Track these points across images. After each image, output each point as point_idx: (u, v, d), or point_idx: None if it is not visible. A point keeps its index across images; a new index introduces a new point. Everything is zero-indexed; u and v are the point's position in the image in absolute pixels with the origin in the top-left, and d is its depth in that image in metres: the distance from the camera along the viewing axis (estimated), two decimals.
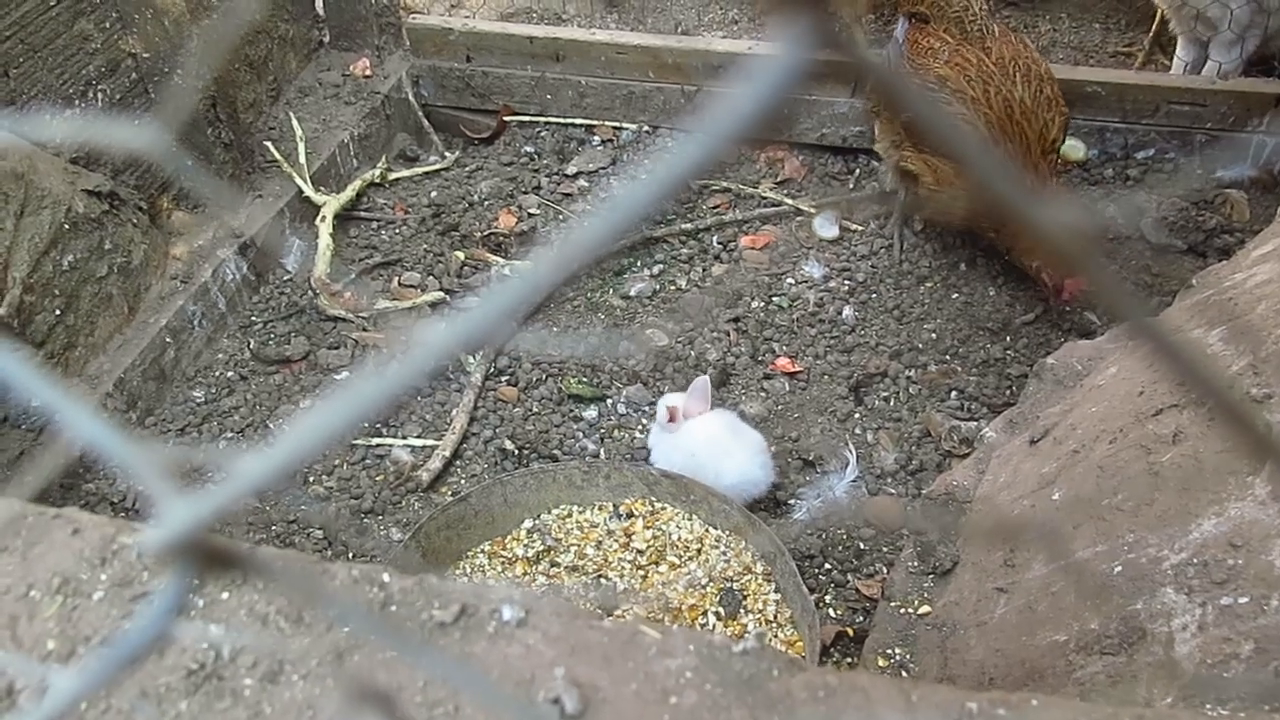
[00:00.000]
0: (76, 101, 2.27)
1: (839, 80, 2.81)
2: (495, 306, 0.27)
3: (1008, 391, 2.31)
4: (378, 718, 0.60)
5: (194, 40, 2.51)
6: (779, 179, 2.98)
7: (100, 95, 2.33)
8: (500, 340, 2.43)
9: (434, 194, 2.97)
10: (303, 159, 2.79)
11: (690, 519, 1.97)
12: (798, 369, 2.39)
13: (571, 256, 0.26)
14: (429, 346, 0.29)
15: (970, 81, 2.29)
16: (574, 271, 2.64)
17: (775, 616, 1.81)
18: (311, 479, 2.18)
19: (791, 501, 2.11)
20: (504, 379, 2.40)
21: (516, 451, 2.22)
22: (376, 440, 2.25)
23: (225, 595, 0.69)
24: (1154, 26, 3.10)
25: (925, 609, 1.71)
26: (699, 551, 1.92)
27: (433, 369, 2.24)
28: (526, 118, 3.17)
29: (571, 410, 2.33)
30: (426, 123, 3.19)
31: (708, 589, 1.85)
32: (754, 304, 2.57)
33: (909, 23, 2.53)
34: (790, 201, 2.86)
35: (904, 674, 1.63)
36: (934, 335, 2.47)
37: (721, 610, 1.81)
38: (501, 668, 0.65)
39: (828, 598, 1.94)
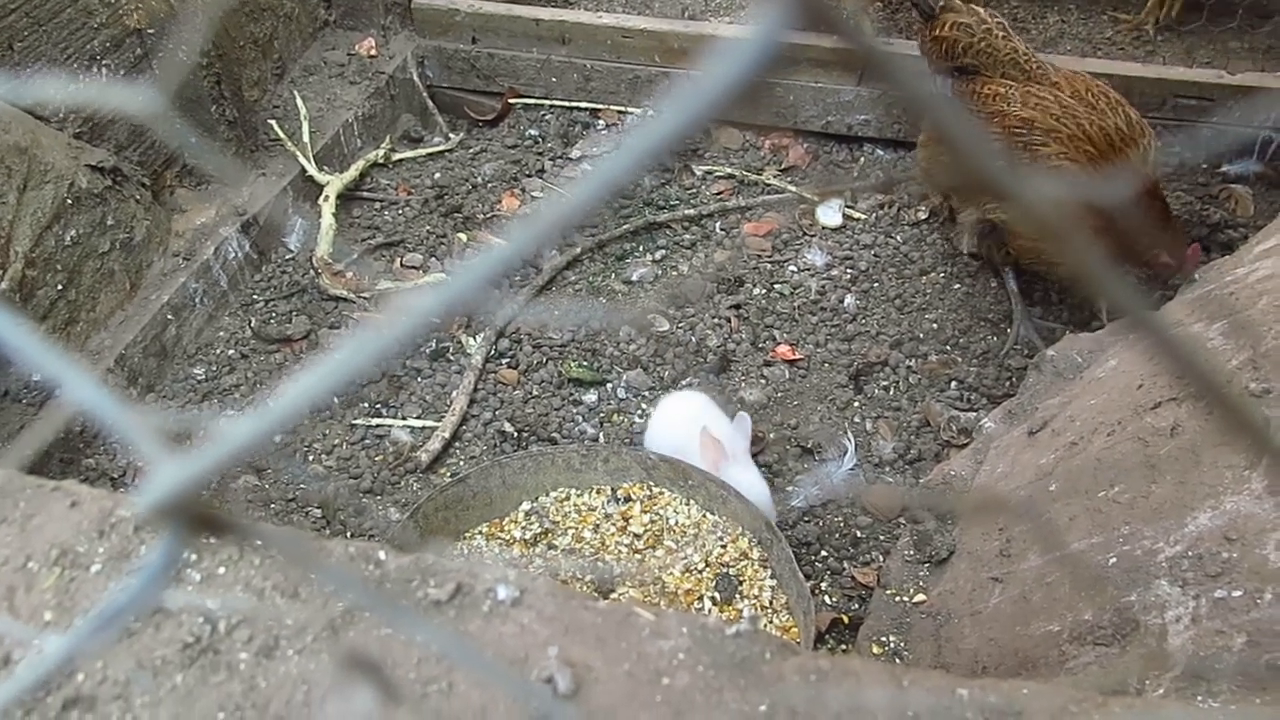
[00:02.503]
0: (80, 76, 2.27)
1: (843, 67, 2.79)
2: (477, 275, 0.27)
3: (1007, 383, 2.31)
4: (368, 688, 0.60)
5: (198, 16, 2.50)
6: (783, 166, 2.97)
7: (104, 70, 2.32)
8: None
9: (437, 175, 2.97)
10: (306, 138, 2.79)
11: (688, 504, 1.98)
12: (798, 356, 2.39)
13: (551, 227, 0.26)
14: (413, 313, 0.29)
15: (1059, 119, 2.17)
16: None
17: (771, 602, 1.82)
18: (311, 458, 2.18)
19: (789, 489, 2.11)
20: (504, 362, 2.40)
21: (516, 434, 2.23)
22: (376, 420, 2.25)
23: (222, 570, 0.70)
24: None
25: (920, 597, 1.72)
26: (696, 536, 1.92)
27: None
28: (531, 100, 3.16)
29: (571, 394, 2.33)
30: (431, 104, 3.18)
31: (704, 574, 1.85)
32: (755, 290, 2.57)
33: (953, 78, 2.39)
34: (794, 189, 2.86)
35: (898, 661, 1.64)
36: (935, 325, 2.47)
37: (717, 595, 1.82)
38: (495, 646, 0.65)
39: (824, 585, 1.95)
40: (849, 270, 2.62)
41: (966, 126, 0.25)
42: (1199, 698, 1.06)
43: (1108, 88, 2.27)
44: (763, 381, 2.34)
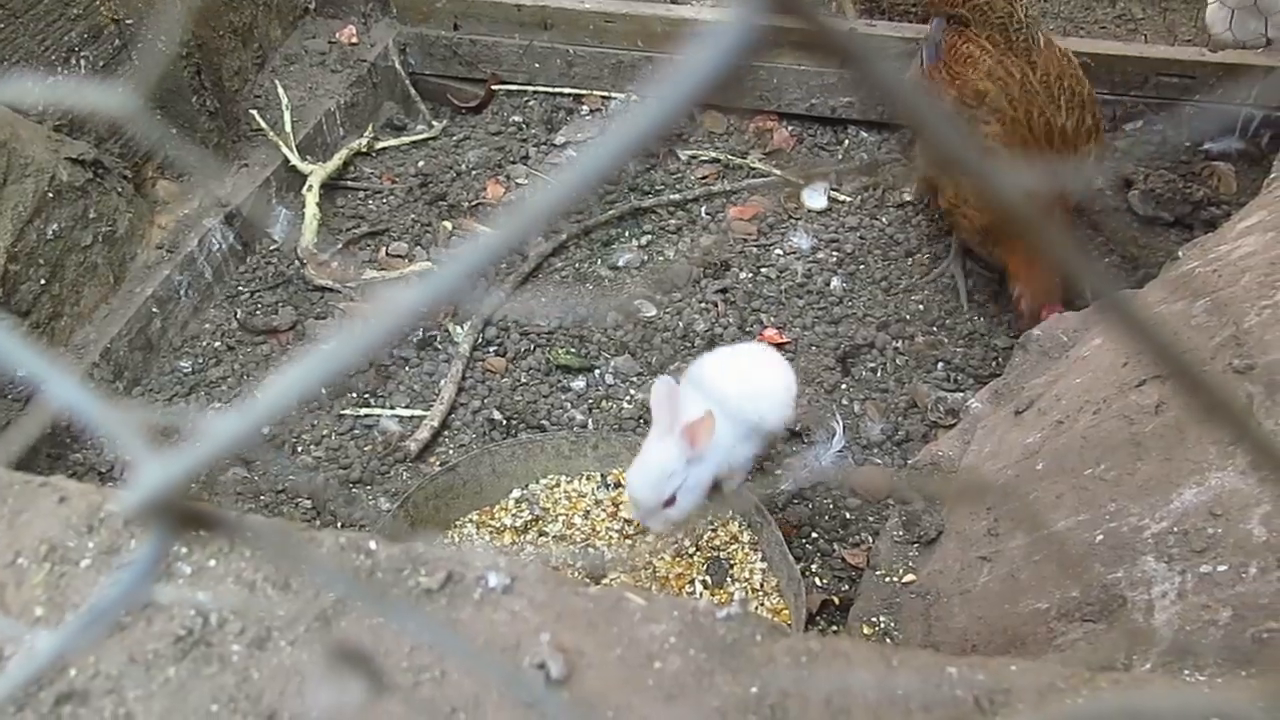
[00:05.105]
0: (59, 68, 2.24)
1: (826, 49, 2.78)
2: (462, 267, 0.28)
3: (993, 363, 2.32)
4: (359, 680, 0.60)
5: (177, 5, 2.48)
6: (768, 149, 2.97)
7: (83, 62, 2.30)
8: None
9: (421, 163, 2.96)
10: (289, 128, 2.77)
11: None
12: (785, 340, 2.39)
13: (536, 217, 0.26)
14: (399, 306, 0.29)
15: (1012, 100, 2.13)
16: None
17: (762, 585, 1.83)
18: (299, 449, 2.18)
19: (778, 471, 2.12)
20: (492, 349, 2.40)
21: (505, 422, 2.23)
22: (365, 410, 2.25)
23: (213, 563, 0.70)
24: None
25: (910, 577, 1.73)
26: (686, 520, 1.93)
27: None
28: (514, 87, 3.15)
29: (559, 381, 2.33)
30: (413, 91, 3.16)
31: (694, 558, 1.86)
32: (742, 275, 2.57)
33: (946, 24, 2.38)
34: (779, 172, 2.85)
35: (888, 641, 1.65)
36: (921, 306, 2.48)
37: (708, 579, 1.83)
38: (487, 634, 0.65)
39: (814, 566, 1.96)
40: (835, 253, 2.62)
41: (937, 115, 0.25)
42: (1185, 672, 1.07)
43: (1083, 82, 2.21)
44: None
